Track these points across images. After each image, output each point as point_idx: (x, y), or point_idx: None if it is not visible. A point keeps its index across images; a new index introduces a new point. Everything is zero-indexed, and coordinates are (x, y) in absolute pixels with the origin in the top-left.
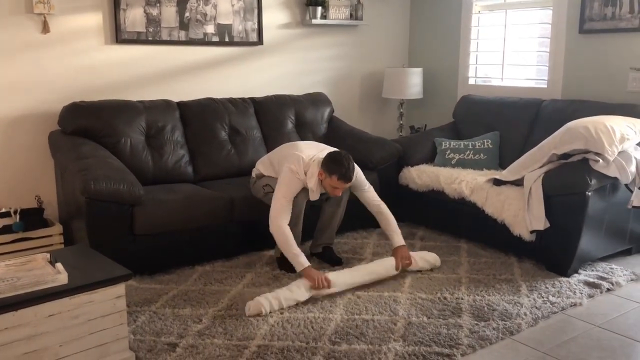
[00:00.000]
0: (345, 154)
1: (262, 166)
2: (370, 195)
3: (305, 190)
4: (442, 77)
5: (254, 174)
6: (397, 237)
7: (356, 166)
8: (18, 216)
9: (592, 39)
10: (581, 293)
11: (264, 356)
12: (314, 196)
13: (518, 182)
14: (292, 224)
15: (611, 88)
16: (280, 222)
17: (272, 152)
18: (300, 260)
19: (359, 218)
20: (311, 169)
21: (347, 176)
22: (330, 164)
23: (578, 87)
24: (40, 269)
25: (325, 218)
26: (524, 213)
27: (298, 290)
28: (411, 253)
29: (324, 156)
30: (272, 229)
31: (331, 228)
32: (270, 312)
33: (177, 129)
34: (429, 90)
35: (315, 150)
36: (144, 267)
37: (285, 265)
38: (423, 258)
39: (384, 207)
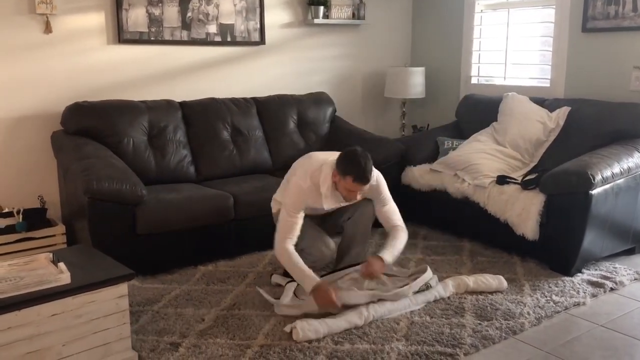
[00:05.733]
0: (362, 151)
1: (278, 194)
2: (390, 211)
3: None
4: (444, 76)
5: (273, 210)
6: (387, 252)
7: (379, 174)
8: (21, 216)
9: (595, 37)
10: (584, 292)
11: (266, 356)
12: (329, 204)
13: (521, 182)
14: (317, 248)
15: (614, 87)
16: (283, 244)
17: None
18: (309, 279)
19: None
20: (323, 172)
21: (363, 176)
22: (344, 163)
23: (581, 86)
24: (43, 268)
25: (344, 243)
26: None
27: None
28: (474, 275)
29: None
30: (276, 251)
31: (350, 255)
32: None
33: (180, 129)
34: (431, 89)
35: (327, 155)
36: (147, 267)
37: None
38: (485, 282)
39: (401, 230)
